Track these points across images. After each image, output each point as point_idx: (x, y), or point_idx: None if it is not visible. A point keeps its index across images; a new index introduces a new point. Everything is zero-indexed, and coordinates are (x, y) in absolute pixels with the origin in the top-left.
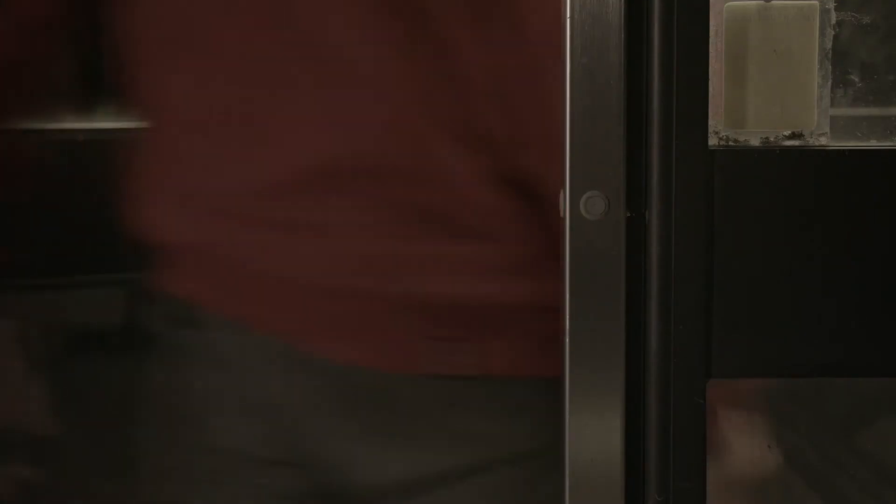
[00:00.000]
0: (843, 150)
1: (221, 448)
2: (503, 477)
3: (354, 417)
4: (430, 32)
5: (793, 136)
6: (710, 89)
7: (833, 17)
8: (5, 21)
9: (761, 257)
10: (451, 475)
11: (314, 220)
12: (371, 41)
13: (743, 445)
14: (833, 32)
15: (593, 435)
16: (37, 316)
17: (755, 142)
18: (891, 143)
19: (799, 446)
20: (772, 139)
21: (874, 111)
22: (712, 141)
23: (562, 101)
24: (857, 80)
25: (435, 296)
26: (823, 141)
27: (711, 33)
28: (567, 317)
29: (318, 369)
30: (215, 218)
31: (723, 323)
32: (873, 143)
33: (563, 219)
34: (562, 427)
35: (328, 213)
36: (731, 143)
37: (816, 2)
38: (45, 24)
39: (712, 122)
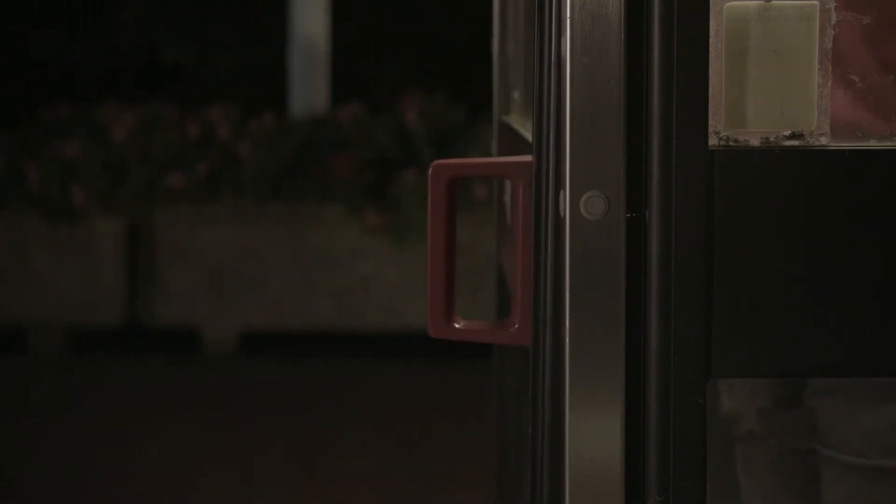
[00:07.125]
0: (843, 150)
1: None
2: None
3: None
4: None
5: (793, 136)
6: (710, 89)
7: (833, 17)
8: None
9: (761, 257)
10: None
11: None
12: None
13: None
14: (833, 32)
15: (593, 435)
16: None
17: (755, 142)
18: (891, 144)
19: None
20: (772, 139)
21: None
22: (712, 141)
23: (562, 101)
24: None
25: None
26: (823, 141)
27: (711, 33)
28: (567, 316)
29: None
30: None
31: (723, 323)
32: (873, 143)
33: (563, 219)
34: (562, 427)
35: None
36: (731, 143)
37: (816, 2)
38: None
39: (712, 122)
